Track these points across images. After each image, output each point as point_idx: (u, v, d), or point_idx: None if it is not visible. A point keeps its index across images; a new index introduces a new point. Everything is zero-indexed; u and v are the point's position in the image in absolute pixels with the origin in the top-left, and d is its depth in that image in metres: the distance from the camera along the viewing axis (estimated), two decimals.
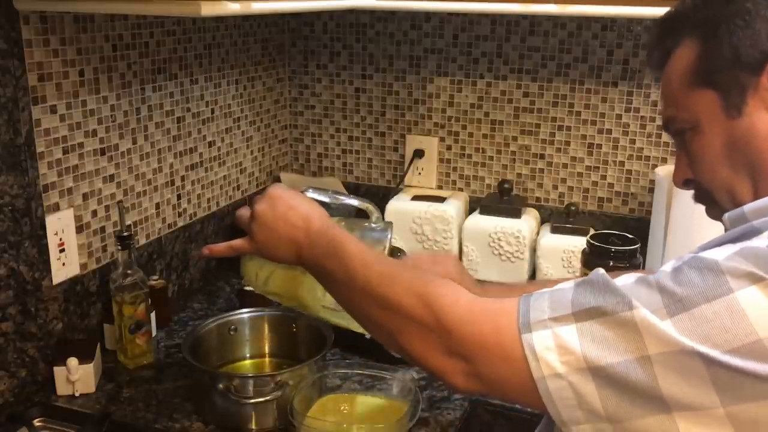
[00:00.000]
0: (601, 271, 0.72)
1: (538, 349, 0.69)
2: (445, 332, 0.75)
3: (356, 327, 1.04)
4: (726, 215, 0.82)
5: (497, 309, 0.75)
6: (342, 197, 1.06)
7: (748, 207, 0.79)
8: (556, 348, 0.69)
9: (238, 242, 1.01)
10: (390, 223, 1.09)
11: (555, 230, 1.67)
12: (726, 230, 0.83)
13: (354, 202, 1.07)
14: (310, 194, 1.01)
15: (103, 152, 1.36)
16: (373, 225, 1.07)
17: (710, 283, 0.65)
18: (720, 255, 0.67)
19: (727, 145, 0.79)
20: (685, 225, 1.43)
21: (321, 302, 1.01)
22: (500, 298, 0.78)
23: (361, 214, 1.11)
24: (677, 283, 0.67)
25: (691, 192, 0.89)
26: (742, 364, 0.62)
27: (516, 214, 1.69)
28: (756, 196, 0.78)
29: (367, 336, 1.07)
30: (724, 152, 0.80)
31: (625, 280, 0.71)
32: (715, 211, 0.86)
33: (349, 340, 1.24)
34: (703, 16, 0.81)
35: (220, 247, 1.03)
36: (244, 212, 1.00)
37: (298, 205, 0.95)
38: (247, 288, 1.42)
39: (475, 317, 0.75)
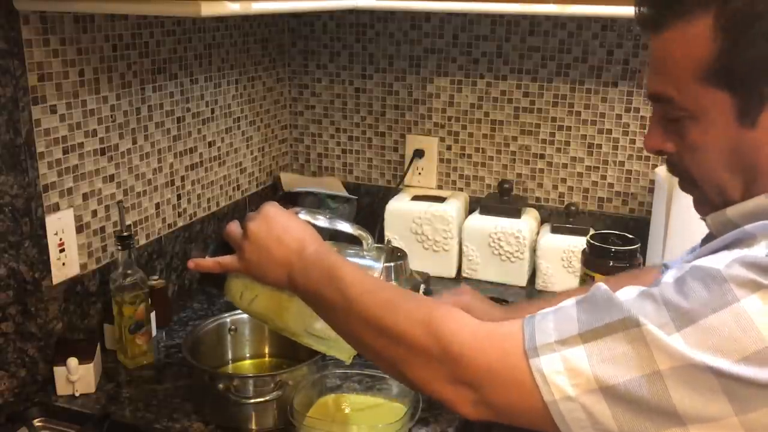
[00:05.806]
0: (603, 286, 0.72)
1: (548, 374, 0.68)
2: (452, 361, 0.73)
3: (339, 353, 1.02)
4: (709, 217, 0.81)
5: (502, 333, 0.73)
6: (336, 222, 1.03)
7: (732, 210, 0.78)
8: (566, 371, 0.68)
9: (226, 259, 0.96)
10: (382, 250, 1.05)
11: (555, 230, 1.68)
12: (708, 229, 0.83)
13: (348, 228, 1.03)
14: (303, 216, 0.98)
15: (103, 152, 1.36)
16: (365, 253, 1.03)
17: (715, 292, 0.64)
18: (720, 263, 0.66)
19: (732, 151, 0.76)
20: (685, 225, 1.43)
21: (307, 329, 0.98)
22: (504, 322, 0.76)
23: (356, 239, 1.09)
24: (682, 296, 0.66)
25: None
26: (752, 372, 0.62)
27: (516, 214, 1.69)
28: (745, 197, 0.77)
29: (348, 362, 1.05)
30: (727, 156, 0.76)
31: (628, 295, 0.70)
32: (704, 206, 0.83)
33: None
34: (733, 6, 0.71)
35: (207, 263, 0.98)
36: (235, 228, 0.95)
37: (293, 228, 0.92)
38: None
39: (480, 343, 0.73)
